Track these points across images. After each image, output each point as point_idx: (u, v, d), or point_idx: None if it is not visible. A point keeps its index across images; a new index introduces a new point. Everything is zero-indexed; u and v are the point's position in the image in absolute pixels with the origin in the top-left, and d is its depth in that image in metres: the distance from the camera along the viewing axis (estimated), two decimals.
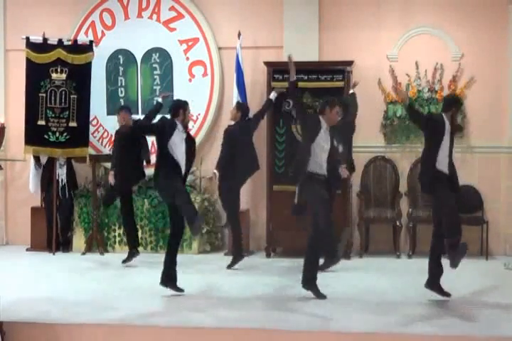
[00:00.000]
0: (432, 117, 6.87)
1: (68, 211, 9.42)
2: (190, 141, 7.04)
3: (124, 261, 8.41)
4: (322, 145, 6.71)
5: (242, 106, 8.58)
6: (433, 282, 6.63)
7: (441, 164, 6.58)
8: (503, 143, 9.15)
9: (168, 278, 6.87)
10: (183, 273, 7.99)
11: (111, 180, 8.65)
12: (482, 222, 8.86)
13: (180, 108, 7.03)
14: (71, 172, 9.58)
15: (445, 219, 6.51)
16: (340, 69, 8.84)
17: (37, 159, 9.52)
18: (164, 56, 9.66)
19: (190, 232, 7.34)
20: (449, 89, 9.10)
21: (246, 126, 8.47)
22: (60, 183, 9.43)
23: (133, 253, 8.49)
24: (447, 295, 6.62)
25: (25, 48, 9.28)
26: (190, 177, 9.41)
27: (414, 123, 7.10)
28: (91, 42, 9.49)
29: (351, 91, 8.56)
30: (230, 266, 8.19)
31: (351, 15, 9.32)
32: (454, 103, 6.81)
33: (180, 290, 6.87)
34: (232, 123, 8.58)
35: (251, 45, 9.39)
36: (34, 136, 9.28)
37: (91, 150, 9.62)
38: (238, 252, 8.27)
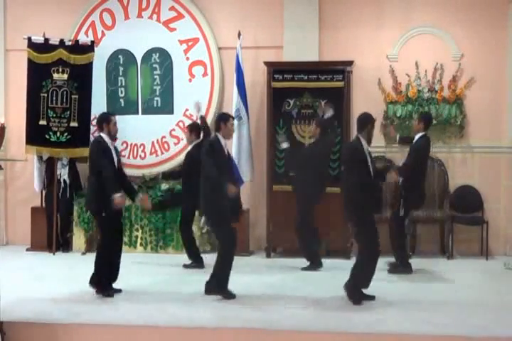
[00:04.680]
0: (350, 147, 6.93)
1: (68, 211, 9.43)
2: (116, 151, 7.11)
3: (186, 266, 8.34)
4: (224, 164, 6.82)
5: (322, 123, 8.35)
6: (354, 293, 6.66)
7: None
8: (503, 143, 9.15)
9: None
10: (183, 273, 8.03)
11: None
12: (482, 222, 8.86)
13: (103, 122, 7.02)
14: (75, 173, 9.57)
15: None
16: (340, 69, 8.85)
17: (39, 157, 9.53)
18: (164, 56, 9.67)
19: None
20: (449, 89, 9.11)
21: (327, 145, 8.44)
22: (63, 184, 9.44)
23: (201, 266, 8.28)
24: (372, 297, 6.64)
25: (26, 48, 9.28)
26: None
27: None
28: (92, 42, 9.49)
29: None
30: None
31: (351, 15, 9.33)
32: (366, 121, 6.88)
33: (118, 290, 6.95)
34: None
35: (251, 45, 9.40)
36: (35, 135, 9.28)
37: None
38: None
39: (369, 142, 6.89)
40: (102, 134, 7.02)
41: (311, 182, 8.15)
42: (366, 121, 6.88)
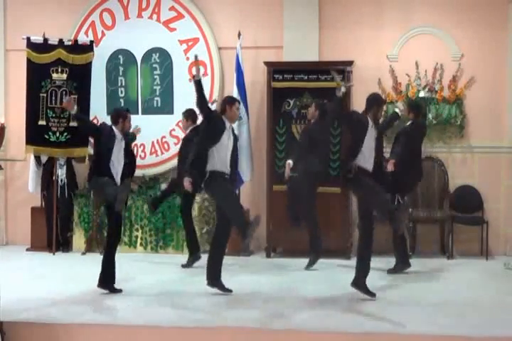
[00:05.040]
0: (356, 114, 6.99)
1: (68, 211, 9.43)
2: (130, 151, 7.32)
3: (184, 266, 8.32)
4: (226, 144, 6.87)
5: (321, 106, 8.33)
6: (360, 281, 6.67)
7: (363, 161, 6.70)
8: (503, 143, 9.15)
9: (106, 280, 6.95)
10: (183, 273, 8.03)
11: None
12: (482, 222, 8.86)
13: (120, 117, 7.17)
14: (71, 173, 9.59)
15: (377, 209, 6.77)
16: (340, 69, 8.82)
17: (37, 158, 9.53)
18: (164, 56, 9.66)
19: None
20: (449, 89, 9.11)
21: (326, 126, 8.46)
22: (60, 183, 9.44)
23: (197, 257, 8.30)
24: (373, 294, 6.64)
25: (25, 48, 9.28)
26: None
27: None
28: (91, 42, 9.49)
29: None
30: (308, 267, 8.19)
31: (351, 15, 9.32)
32: (374, 101, 6.91)
33: (118, 290, 6.97)
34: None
35: (251, 45, 9.39)
36: (35, 136, 9.27)
37: (91, 150, 9.62)
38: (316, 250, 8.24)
39: (376, 123, 6.92)
40: (113, 127, 7.12)
41: (313, 161, 8.16)
42: (372, 102, 6.90)
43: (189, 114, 8.55)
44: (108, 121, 9.71)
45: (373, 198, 6.70)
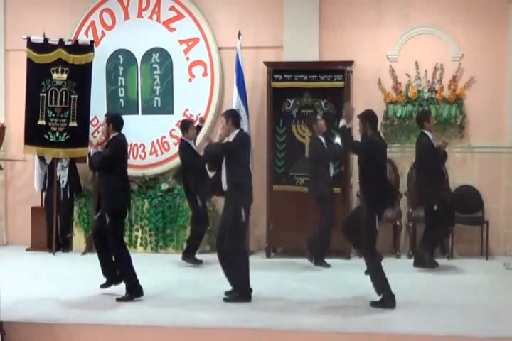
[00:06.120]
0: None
1: (68, 211, 9.42)
2: None
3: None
4: None
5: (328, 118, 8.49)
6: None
7: None
8: (503, 143, 9.15)
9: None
10: (183, 273, 8.03)
11: None
12: (482, 222, 8.86)
13: (123, 124, 7.05)
14: (74, 175, 9.54)
15: None
16: (340, 69, 8.85)
17: (41, 158, 9.51)
18: (164, 56, 9.66)
19: None
20: (449, 89, 9.11)
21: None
22: (62, 185, 9.43)
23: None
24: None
25: (26, 48, 9.28)
26: None
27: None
28: (92, 42, 9.49)
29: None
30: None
31: (351, 15, 9.32)
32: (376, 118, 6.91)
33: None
34: None
35: (251, 45, 9.39)
36: (34, 135, 9.27)
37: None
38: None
39: None
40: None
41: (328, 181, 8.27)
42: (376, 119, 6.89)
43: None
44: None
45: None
